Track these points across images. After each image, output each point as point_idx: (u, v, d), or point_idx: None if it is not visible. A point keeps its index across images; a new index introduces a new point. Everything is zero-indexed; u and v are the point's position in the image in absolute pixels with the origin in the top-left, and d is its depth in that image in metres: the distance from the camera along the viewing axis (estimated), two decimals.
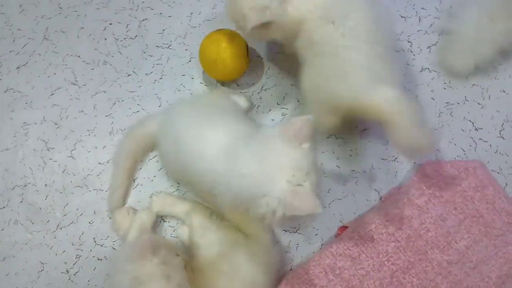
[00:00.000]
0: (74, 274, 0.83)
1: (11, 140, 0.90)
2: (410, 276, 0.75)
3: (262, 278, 0.75)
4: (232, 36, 0.84)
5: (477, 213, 0.78)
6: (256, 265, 0.75)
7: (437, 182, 0.80)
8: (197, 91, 0.91)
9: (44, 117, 0.91)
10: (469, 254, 0.76)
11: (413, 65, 0.91)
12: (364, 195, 0.85)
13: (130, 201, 0.86)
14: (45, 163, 0.89)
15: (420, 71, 0.91)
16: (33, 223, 0.86)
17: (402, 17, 0.94)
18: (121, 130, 0.89)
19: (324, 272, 0.77)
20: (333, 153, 0.88)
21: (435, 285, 0.74)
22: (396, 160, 0.87)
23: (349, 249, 0.77)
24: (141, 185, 0.87)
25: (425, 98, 0.90)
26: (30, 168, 0.89)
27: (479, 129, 0.87)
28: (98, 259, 0.84)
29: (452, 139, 0.87)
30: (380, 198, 0.85)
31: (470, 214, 0.78)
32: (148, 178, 0.87)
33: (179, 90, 0.91)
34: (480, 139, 0.87)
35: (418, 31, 0.93)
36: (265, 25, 0.70)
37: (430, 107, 0.89)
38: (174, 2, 0.98)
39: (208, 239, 0.77)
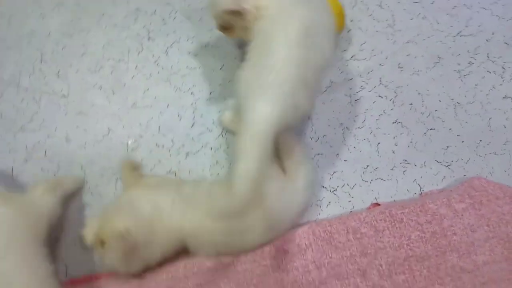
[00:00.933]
0: (132, 150, 0.93)
1: (121, 19, 1.00)
2: (422, 267, 0.79)
3: (286, 216, 0.82)
4: None
5: (507, 237, 0.80)
6: (284, 201, 0.81)
7: (480, 196, 0.83)
8: None
9: (155, 10, 1.00)
10: (484, 270, 0.79)
11: (498, 90, 0.94)
12: (406, 185, 0.89)
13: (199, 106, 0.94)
14: (142, 49, 0.98)
15: (503, 97, 0.94)
16: (114, 94, 0.96)
17: (506, 43, 0.97)
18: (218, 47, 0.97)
19: (346, 231, 0.82)
20: (393, 138, 0.92)
21: (441, 283, 0.78)
22: (448, 166, 0.90)
23: (376, 221, 0.82)
24: (214, 98, 0.95)
25: (496, 123, 0.92)
26: (128, 48, 0.98)
27: None
28: (156, 145, 0.93)
29: (509, 169, 0.90)
30: (420, 194, 0.89)
31: (499, 236, 0.81)
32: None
33: None
34: None
35: None
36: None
37: (499, 133, 0.92)
38: None
39: None
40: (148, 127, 0.94)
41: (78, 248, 0.86)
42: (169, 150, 0.92)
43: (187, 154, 0.93)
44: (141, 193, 0.81)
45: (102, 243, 0.76)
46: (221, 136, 0.93)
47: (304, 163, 0.86)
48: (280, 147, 0.86)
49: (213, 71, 0.96)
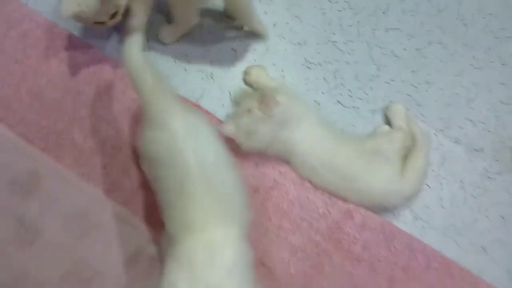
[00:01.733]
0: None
1: None
2: None
3: (377, 199, 0.91)
4: None
5: None
6: (385, 189, 0.90)
7: None
8: None
9: None
10: None
11: None
12: (476, 266, 0.92)
13: None
14: None
15: None
16: None
17: None
18: None
19: (405, 246, 0.88)
20: (493, 227, 0.95)
21: None
22: None
23: (434, 262, 0.87)
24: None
25: None
26: None
27: None
28: (306, 65, 1.05)
29: None
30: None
31: None
32: None
33: None
34: None
35: None
36: None
37: None
38: None
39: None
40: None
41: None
42: (306, 85, 1.03)
43: (323, 93, 1.02)
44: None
45: (252, 86, 0.90)
46: (370, 111, 1.02)
47: (421, 179, 0.93)
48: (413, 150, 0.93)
49: None
